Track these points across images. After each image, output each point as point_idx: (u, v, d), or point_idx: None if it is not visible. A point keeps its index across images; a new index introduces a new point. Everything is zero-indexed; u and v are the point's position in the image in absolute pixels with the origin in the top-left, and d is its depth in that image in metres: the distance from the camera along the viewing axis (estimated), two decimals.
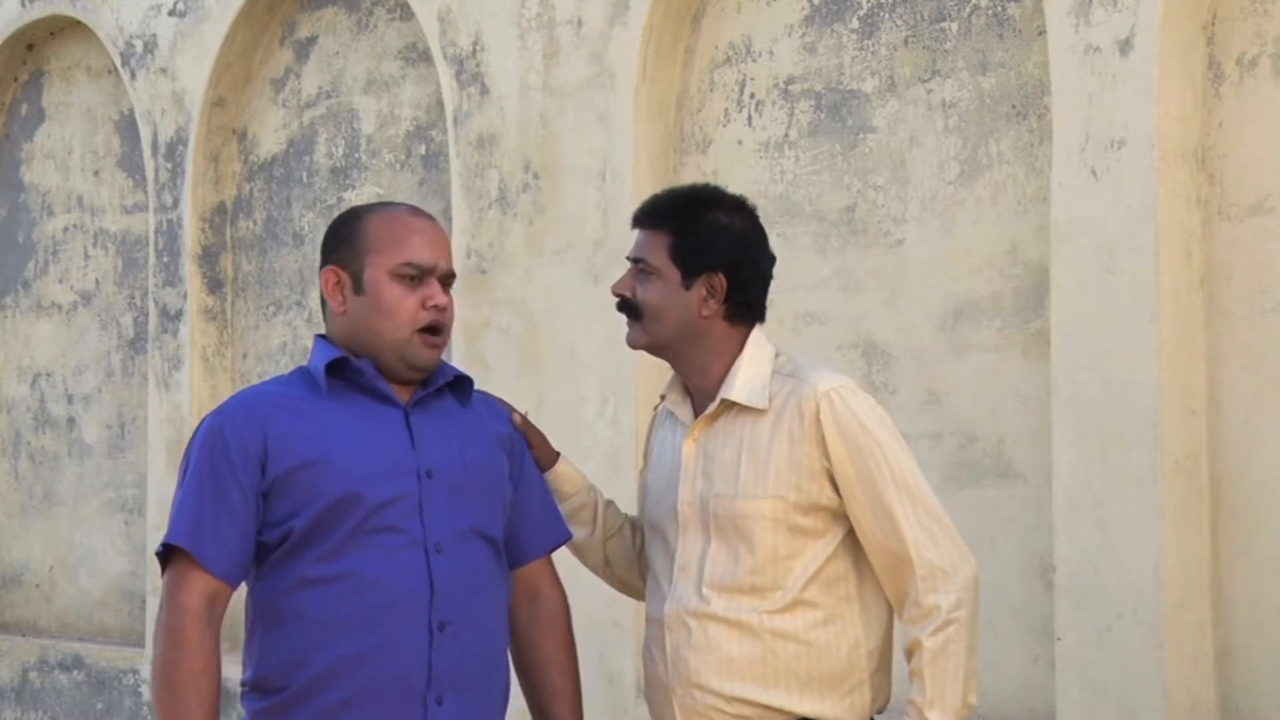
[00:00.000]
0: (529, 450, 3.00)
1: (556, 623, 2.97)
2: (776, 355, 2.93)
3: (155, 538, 6.90)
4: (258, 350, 6.83)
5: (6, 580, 7.91)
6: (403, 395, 2.82)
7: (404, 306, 2.77)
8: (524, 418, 3.04)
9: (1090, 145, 4.24)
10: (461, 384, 2.90)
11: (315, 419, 2.75)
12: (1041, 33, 4.48)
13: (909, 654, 2.79)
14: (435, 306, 2.79)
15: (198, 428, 2.80)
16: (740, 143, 5.23)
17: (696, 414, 2.94)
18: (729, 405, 2.88)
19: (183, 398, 6.81)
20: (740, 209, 2.95)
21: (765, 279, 2.97)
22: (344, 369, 2.79)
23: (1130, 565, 4.12)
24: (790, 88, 5.12)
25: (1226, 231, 4.20)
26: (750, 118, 5.21)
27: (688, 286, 2.89)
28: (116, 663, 7.10)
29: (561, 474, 3.09)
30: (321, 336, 2.88)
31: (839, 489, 2.82)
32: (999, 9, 4.65)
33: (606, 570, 3.17)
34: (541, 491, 3.00)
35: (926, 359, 4.71)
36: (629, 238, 5.28)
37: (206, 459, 2.72)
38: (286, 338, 6.72)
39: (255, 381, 6.77)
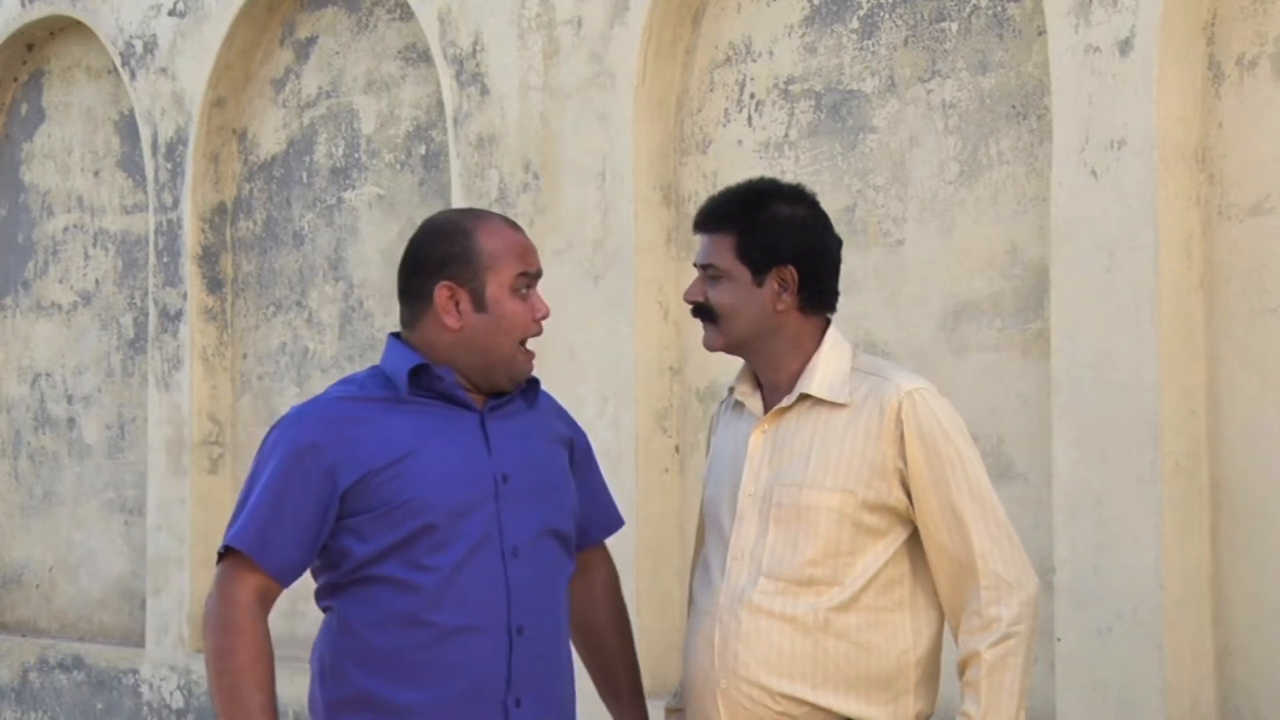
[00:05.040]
0: (587, 438, 3.07)
1: (610, 591, 3.09)
2: (855, 354, 2.92)
3: (155, 538, 6.90)
4: (258, 350, 6.83)
5: (6, 580, 7.91)
6: (477, 401, 2.87)
7: (521, 321, 2.85)
8: None
9: (1090, 145, 4.24)
10: (529, 385, 2.95)
11: (391, 428, 2.79)
12: (1041, 33, 4.48)
13: (964, 665, 2.76)
14: (543, 318, 2.90)
15: (274, 432, 2.83)
16: (740, 143, 5.23)
17: (767, 406, 2.92)
18: (806, 399, 2.87)
19: (183, 398, 6.81)
20: (800, 198, 2.93)
21: (835, 265, 2.95)
22: (424, 375, 2.82)
23: (1130, 565, 4.12)
24: (790, 88, 5.12)
25: (1226, 231, 4.20)
26: (750, 118, 5.21)
27: (759, 283, 2.88)
28: (116, 663, 7.10)
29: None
30: (395, 336, 2.90)
31: (910, 491, 2.81)
32: (999, 9, 4.65)
33: None
34: (600, 479, 3.09)
35: (926, 359, 4.71)
36: (629, 237, 5.33)
37: (282, 469, 2.76)
38: (286, 338, 6.72)
39: (255, 382, 6.79)
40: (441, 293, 2.82)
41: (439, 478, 2.76)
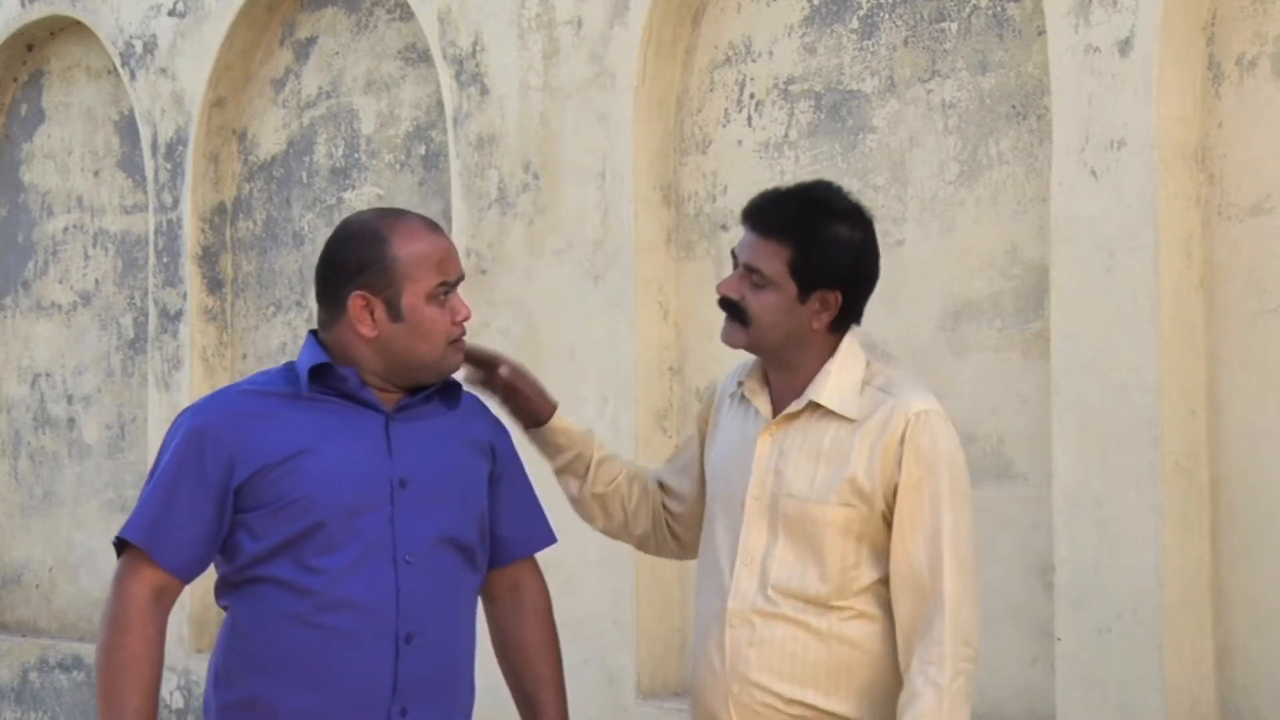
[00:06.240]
0: (512, 443, 2.98)
1: (539, 611, 2.97)
2: (868, 364, 2.89)
3: None
4: (257, 350, 6.83)
5: (6, 580, 7.91)
6: (388, 400, 2.81)
7: (440, 327, 2.78)
8: (512, 369, 3.00)
9: (1090, 145, 4.24)
10: (449, 387, 2.89)
11: (291, 424, 2.74)
12: (1041, 33, 4.48)
13: (917, 693, 2.71)
14: (464, 320, 2.82)
15: (175, 423, 2.79)
16: (740, 143, 5.23)
17: (775, 407, 2.90)
18: (814, 407, 2.85)
19: (183, 398, 6.81)
20: (859, 219, 2.88)
21: (874, 287, 2.92)
22: (328, 374, 2.78)
23: (1130, 565, 4.13)
24: (790, 88, 5.12)
25: (1226, 231, 4.20)
26: (750, 118, 5.21)
27: (803, 301, 2.84)
28: None
29: (556, 429, 3.07)
30: (314, 334, 2.86)
31: (895, 505, 2.79)
32: (999, 9, 4.65)
33: (603, 523, 3.15)
34: (526, 491, 2.99)
35: (926, 359, 4.71)
36: (629, 237, 5.33)
37: (177, 459, 2.72)
38: (286, 338, 6.72)
39: None
40: (355, 302, 2.76)
41: (332, 477, 2.71)
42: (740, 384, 3.00)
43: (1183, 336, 4.16)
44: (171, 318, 6.90)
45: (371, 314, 2.76)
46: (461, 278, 2.83)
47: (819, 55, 5.05)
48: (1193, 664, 4.14)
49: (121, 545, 2.73)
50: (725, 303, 2.89)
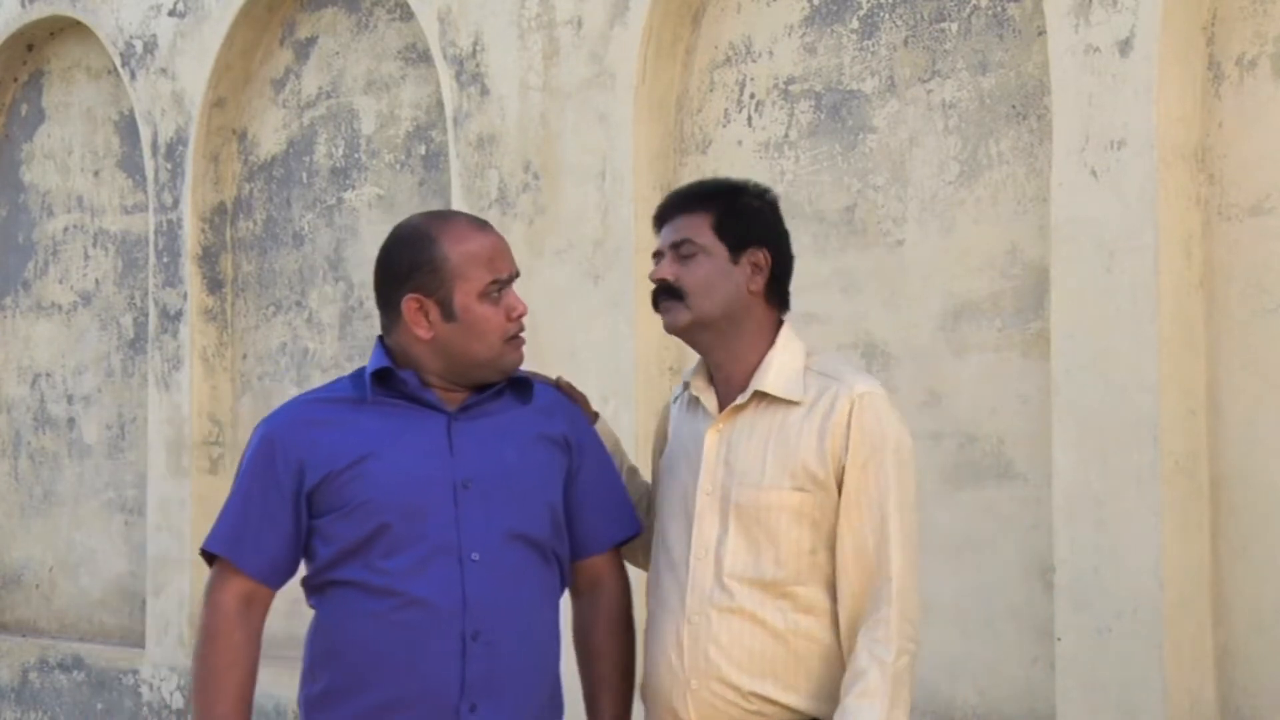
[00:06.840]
0: (592, 436, 2.99)
1: (612, 613, 2.97)
2: (809, 353, 2.93)
3: (155, 538, 6.91)
4: (258, 350, 6.83)
5: (6, 580, 7.91)
6: (453, 400, 2.84)
7: (494, 325, 2.81)
8: (568, 383, 3.06)
9: (1090, 145, 4.24)
10: (520, 382, 2.90)
11: (356, 429, 2.80)
12: (1041, 33, 4.49)
13: (863, 671, 2.74)
14: (520, 316, 2.84)
15: (253, 433, 2.88)
16: (740, 143, 5.23)
17: (722, 403, 2.93)
18: (760, 397, 2.88)
19: (183, 398, 6.82)
20: (767, 196, 2.99)
21: (792, 264, 3.00)
22: (390, 378, 2.82)
23: (1130, 565, 4.13)
24: (790, 88, 5.12)
25: (1226, 231, 4.20)
26: (750, 118, 5.21)
27: (735, 261, 2.89)
28: (116, 663, 7.10)
29: (599, 433, 3.09)
30: (381, 339, 2.89)
31: (841, 487, 2.81)
32: (999, 9, 4.65)
33: None
34: (609, 484, 2.98)
35: (926, 359, 4.71)
36: (629, 237, 5.33)
37: (251, 467, 2.81)
38: (286, 338, 6.72)
39: (255, 382, 6.79)
40: (409, 305, 2.80)
41: (396, 480, 2.76)
42: (686, 385, 3.03)
43: (1183, 336, 4.17)
44: (171, 318, 6.90)
45: (426, 316, 2.80)
46: (515, 274, 2.85)
47: (819, 55, 5.05)
48: (1193, 664, 4.14)
49: (210, 558, 2.81)
50: (661, 289, 2.93)
